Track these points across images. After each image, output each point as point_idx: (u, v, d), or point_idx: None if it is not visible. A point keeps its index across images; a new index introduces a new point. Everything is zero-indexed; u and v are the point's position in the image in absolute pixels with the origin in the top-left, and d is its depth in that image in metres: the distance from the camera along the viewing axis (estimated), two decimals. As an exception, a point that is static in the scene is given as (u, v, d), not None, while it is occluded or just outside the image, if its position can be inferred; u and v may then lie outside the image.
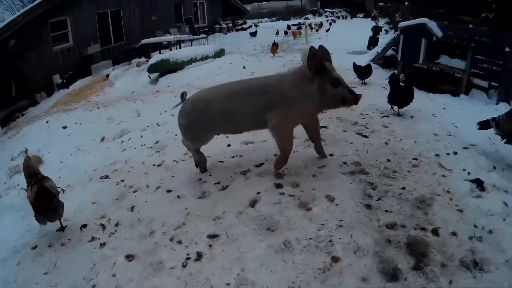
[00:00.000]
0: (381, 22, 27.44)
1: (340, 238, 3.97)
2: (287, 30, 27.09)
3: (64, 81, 19.77)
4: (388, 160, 5.60)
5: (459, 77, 10.95)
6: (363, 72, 10.54)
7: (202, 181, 5.51)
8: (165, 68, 15.04)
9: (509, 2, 19.83)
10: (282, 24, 32.20)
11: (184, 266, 3.88)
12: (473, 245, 3.85)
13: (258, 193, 4.90)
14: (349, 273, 3.55)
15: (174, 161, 6.40)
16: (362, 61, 13.06)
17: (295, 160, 5.59)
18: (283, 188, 4.97)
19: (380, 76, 11.61)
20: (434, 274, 3.50)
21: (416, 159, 5.68)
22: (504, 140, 5.72)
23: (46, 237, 4.86)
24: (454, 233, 4.02)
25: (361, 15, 42.95)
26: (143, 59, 20.29)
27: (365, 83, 10.68)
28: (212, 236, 4.24)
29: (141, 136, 8.16)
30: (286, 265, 3.70)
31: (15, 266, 4.46)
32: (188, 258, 3.98)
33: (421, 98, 9.14)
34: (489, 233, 4.06)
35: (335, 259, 3.72)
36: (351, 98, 4.67)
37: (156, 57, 16.23)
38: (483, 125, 5.94)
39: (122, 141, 8.24)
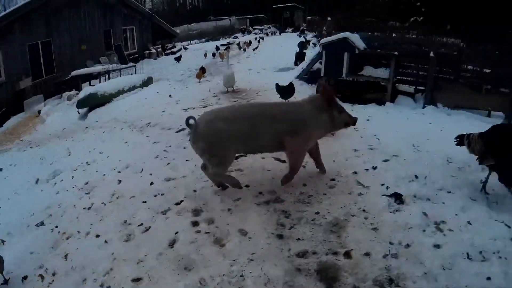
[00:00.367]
0: (309, 35, 27.84)
1: (251, 272, 4.02)
2: (215, 52, 26.98)
3: (-3, 119, 19.23)
4: (304, 185, 5.67)
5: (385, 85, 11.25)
6: (285, 92, 10.56)
7: (127, 223, 5.48)
8: (94, 103, 14.81)
9: (438, 5, 20.49)
10: (211, 45, 32.52)
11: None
12: (387, 263, 3.95)
13: (176, 233, 4.93)
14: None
15: (102, 203, 6.31)
16: (289, 77, 13.27)
17: (211, 196, 5.65)
18: (199, 225, 5.02)
19: (305, 93, 11.70)
20: (346, 297, 3.54)
21: (333, 179, 5.78)
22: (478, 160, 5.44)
23: (-9, 292, 4.80)
24: (367, 253, 4.12)
25: (290, 30, 43.65)
26: (73, 92, 19.77)
27: None
28: (136, 280, 4.24)
29: (72, 177, 8.01)
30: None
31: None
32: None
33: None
34: (406, 247, 4.19)
35: (246, 294, 3.76)
36: (352, 121, 5.65)
37: (84, 91, 15.87)
38: (459, 141, 5.73)
39: (55, 183, 8.08)
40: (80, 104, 15.16)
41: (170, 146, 7.95)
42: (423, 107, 10.61)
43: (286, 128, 5.27)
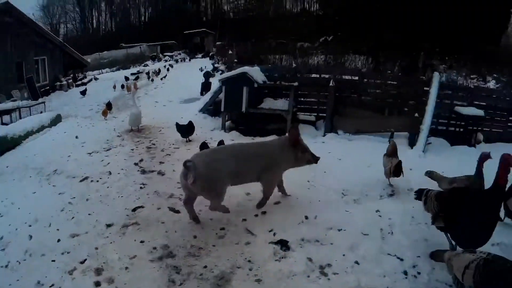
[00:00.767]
0: (219, 61, 27.97)
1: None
2: (124, 83, 26.38)
3: None
4: (195, 237, 5.64)
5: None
6: (185, 131, 10.58)
7: (40, 284, 5.18)
8: (3, 147, 14.30)
9: (350, 24, 21.12)
10: (122, 75, 31.70)
11: None
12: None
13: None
14: None
15: (17, 261, 5.95)
16: (193, 110, 13.30)
17: (110, 253, 5.50)
18: (101, 286, 4.89)
19: (207, 128, 11.82)
20: None
21: (223, 228, 5.78)
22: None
23: None
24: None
25: (200, 55, 43.70)
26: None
27: (189, 140, 10.71)
28: None
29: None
30: None
31: None
32: None
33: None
34: (288, 296, 4.16)
35: None
36: (314, 160, 6.58)
37: (-7, 134, 15.30)
38: (417, 195, 5.56)
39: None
40: (-11, 149, 14.53)
41: (74, 197, 7.72)
42: (324, 135, 10.86)
43: (264, 164, 6.23)
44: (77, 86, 30.76)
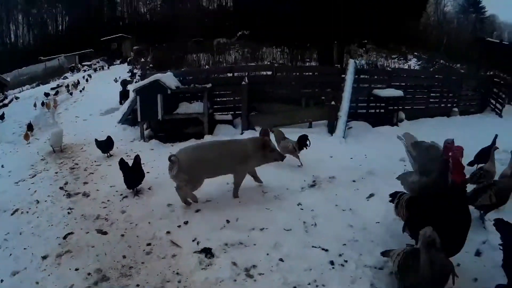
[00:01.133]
0: (136, 67, 27.62)
1: None
2: (44, 100, 25.50)
3: None
4: (124, 257, 5.55)
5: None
6: (104, 146, 10.38)
7: None
8: None
9: (264, 18, 21.24)
10: (43, 90, 30.49)
11: None
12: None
13: None
14: None
15: None
16: (112, 122, 13.16)
17: (50, 286, 5.44)
18: None
19: (127, 139, 11.72)
20: None
21: (149, 244, 5.72)
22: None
23: None
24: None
25: (118, 61, 43.01)
26: None
27: (110, 155, 10.49)
28: None
29: None
30: None
31: None
32: None
33: (161, 158, 9.30)
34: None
35: None
36: (280, 158, 7.45)
37: None
38: (392, 198, 5.38)
39: None
40: None
41: (8, 233, 7.53)
42: (242, 133, 10.96)
43: (238, 160, 7.05)
44: (-1, 108, 29.68)
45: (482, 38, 26.72)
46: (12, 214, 8.12)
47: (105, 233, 6.34)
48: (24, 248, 6.51)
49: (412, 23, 27.44)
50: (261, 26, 24.52)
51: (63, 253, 5.92)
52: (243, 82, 11.90)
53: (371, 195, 7.05)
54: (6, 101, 30.68)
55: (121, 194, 7.66)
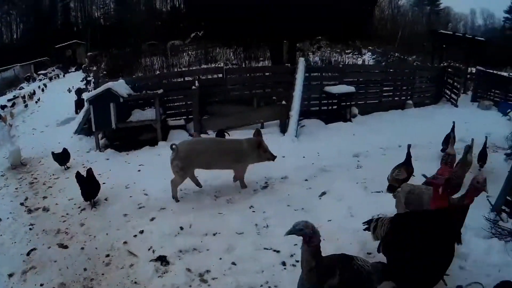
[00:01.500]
0: (90, 74, 27.23)
1: None
2: (1, 114, 24.89)
3: None
4: (85, 269, 5.61)
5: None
6: (61, 159, 10.24)
7: None
8: None
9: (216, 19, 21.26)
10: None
11: None
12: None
13: None
14: None
15: None
16: (69, 133, 13.32)
17: None
18: None
19: (84, 149, 11.72)
20: None
21: (108, 255, 5.80)
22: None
23: None
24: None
25: (73, 69, 42.39)
26: None
27: (68, 168, 10.38)
28: None
29: None
30: None
31: None
32: None
33: (116, 167, 9.57)
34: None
35: None
36: (272, 158, 7.74)
37: None
38: (368, 224, 4.85)
39: None
40: None
41: None
42: (190, 135, 11.11)
43: (233, 157, 7.65)
44: (-41, 129, 28.92)
45: (435, 30, 27.22)
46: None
47: (66, 247, 6.37)
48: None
49: (365, 18, 27.80)
50: (213, 27, 24.56)
51: (28, 270, 5.92)
52: (193, 87, 12.03)
53: (323, 193, 7.25)
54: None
55: (79, 207, 7.69)
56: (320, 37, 31.46)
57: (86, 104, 13.33)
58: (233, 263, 5.09)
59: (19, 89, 35.74)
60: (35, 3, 61.10)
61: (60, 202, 7.95)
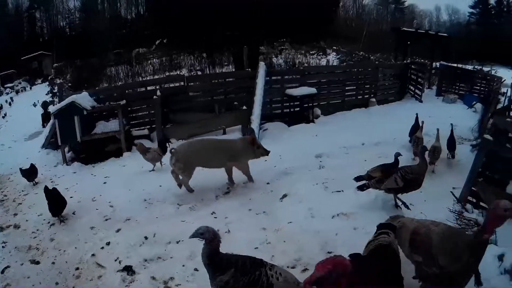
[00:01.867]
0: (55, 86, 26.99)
1: None
2: None
3: None
4: (57, 283, 5.76)
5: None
6: (29, 174, 10.29)
7: None
8: None
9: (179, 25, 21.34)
10: None
11: None
12: None
13: None
14: None
15: None
16: (36, 147, 13.40)
17: None
18: None
19: (51, 164, 11.89)
20: None
21: (78, 268, 5.96)
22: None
23: None
24: None
25: (40, 81, 41.98)
26: None
27: (36, 183, 10.38)
28: None
29: None
30: None
31: None
32: None
33: (83, 180, 9.72)
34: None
35: None
36: (266, 153, 8.45)
37: None
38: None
39: None
40: None
41: None
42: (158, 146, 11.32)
43: (227, 155, 8.26)
44: None
45: (398, 28, 27.72)
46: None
47: (37, 262, 6.50)
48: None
49: (329, 18, 28.13)
50: (176, 33, 24.67)
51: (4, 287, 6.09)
52: (155, 96, 12.30)
53: (285, 196, 7.49)
54: None
55: (49, 222, 7.77)
56: (283, 40, 31.68)
57: (52, 118, 13.36)
58: (196, 269, 5.24)
59: (-14, 105, 35.09)
60: (0, 14, 60.17)
61: (30, 218, 8.03)
